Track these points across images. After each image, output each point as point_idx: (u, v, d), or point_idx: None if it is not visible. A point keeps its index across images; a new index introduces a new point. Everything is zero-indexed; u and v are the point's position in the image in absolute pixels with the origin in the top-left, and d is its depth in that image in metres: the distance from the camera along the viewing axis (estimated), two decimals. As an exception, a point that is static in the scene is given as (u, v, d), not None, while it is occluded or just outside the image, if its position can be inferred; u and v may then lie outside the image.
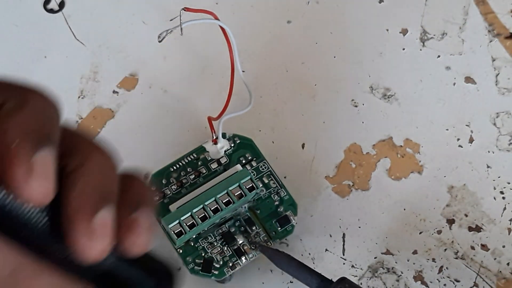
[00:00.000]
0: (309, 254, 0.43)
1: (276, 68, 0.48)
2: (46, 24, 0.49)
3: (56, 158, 0.19)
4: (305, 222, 0.44)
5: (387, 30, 0.49)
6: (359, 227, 0.44)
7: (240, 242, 0.42)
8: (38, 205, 0.19)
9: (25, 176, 0.18)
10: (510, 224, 0.44)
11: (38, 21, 0.50)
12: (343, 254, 0.44)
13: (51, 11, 0.50)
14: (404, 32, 0.49)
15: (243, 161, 0.44)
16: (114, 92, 0.47)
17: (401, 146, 0.46)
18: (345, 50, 0.48)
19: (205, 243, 0.42)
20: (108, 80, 0.48)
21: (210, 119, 0.44)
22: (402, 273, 0.43)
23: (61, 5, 0.50)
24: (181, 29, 0.43)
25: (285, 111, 0.47)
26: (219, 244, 0.42)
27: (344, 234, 0.44)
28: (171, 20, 0.44)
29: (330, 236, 0.44)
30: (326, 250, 0.44)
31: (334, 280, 0.39)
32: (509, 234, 0.43)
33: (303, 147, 0.46)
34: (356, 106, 0.47)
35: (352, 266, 0.43)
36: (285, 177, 0.45)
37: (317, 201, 0.45)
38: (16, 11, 0.50)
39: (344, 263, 0.43)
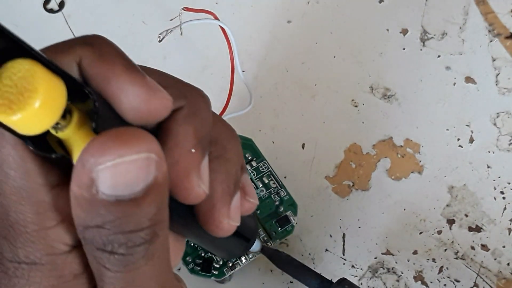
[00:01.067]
0: (309, 254, 0.43)
1: (276, 68, 0.48)
2: (46, 24, 0.49)
3: None
4: (305, 222, 0.44)
5: (387, 30, 0.49)
6: (359, 227, 0.44)
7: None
8: (197, 202, 0.21)
9: (198, 182, 0.21)
10: (510, 224, 0.44)
11: (38, 21, 0.50)
12: (343, 254, 0.43)
13: (51, 11, 0.50)
14: (404, 32, 0.49)
15: (243, 161, 0.44)
16: (114, 92, 0.47)
17: (401, 146, 0.46)
18: (345, 50, 0.48)
19: (205, 243, 0.42)
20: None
21: (210, 119, 0.44)
22: (402, 273, 0.43)
23: (61, 5, 0.50)
24: (181, 29, 0.43)
25: (285, 111, 0.47)
26: (219, 244, 0.42)
27: (344, 234, 0.44)
28: (171, 20, 0.44)
29: (330, 236, 0.44)
30: (326, 250, 0.44)
31: (334, 280, 0.39)
32: (509, 234, 0.43)
33: (303, 147, 0.46)
34: (356, 106, 0.47)
35: (352, 266, 0.43)
36: (285, 177, 0.45)
37: (317, 201, 0.45)
38: (16, 11, 0.50)
39: (344, 263, 0.43)
